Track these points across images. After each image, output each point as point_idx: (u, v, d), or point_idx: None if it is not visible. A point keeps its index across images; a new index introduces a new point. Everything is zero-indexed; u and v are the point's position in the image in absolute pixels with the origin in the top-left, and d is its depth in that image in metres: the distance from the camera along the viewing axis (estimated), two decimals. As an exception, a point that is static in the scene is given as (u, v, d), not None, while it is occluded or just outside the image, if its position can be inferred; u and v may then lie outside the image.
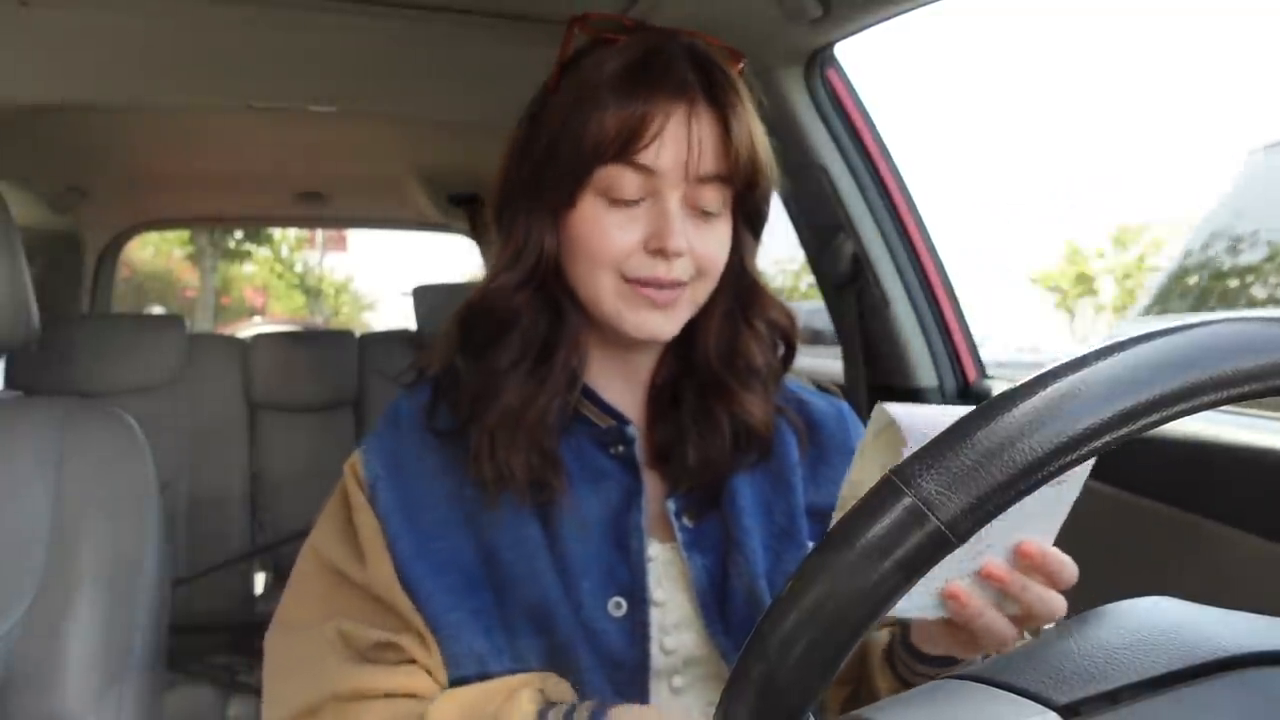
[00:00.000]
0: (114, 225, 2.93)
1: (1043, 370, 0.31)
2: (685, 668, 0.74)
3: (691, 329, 0.76)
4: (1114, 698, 0.33)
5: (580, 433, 0.75)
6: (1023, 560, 0.55)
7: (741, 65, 0.75)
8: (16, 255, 0.92)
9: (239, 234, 15.70)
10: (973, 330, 1.50)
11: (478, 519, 0.72)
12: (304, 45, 1.50)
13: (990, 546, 0.55)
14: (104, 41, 1.45)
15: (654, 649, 0.72)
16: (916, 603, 0.55)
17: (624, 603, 0.72)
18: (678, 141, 0.68)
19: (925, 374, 1.47)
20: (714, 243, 0.72)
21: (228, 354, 2.34)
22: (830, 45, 1.37)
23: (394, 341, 2.53)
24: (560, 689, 0.69)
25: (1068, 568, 0.56)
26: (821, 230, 1.51)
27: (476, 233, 2.91)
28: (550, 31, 0.79)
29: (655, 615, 0.72)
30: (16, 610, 0.87)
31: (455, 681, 0.69)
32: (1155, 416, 0.30)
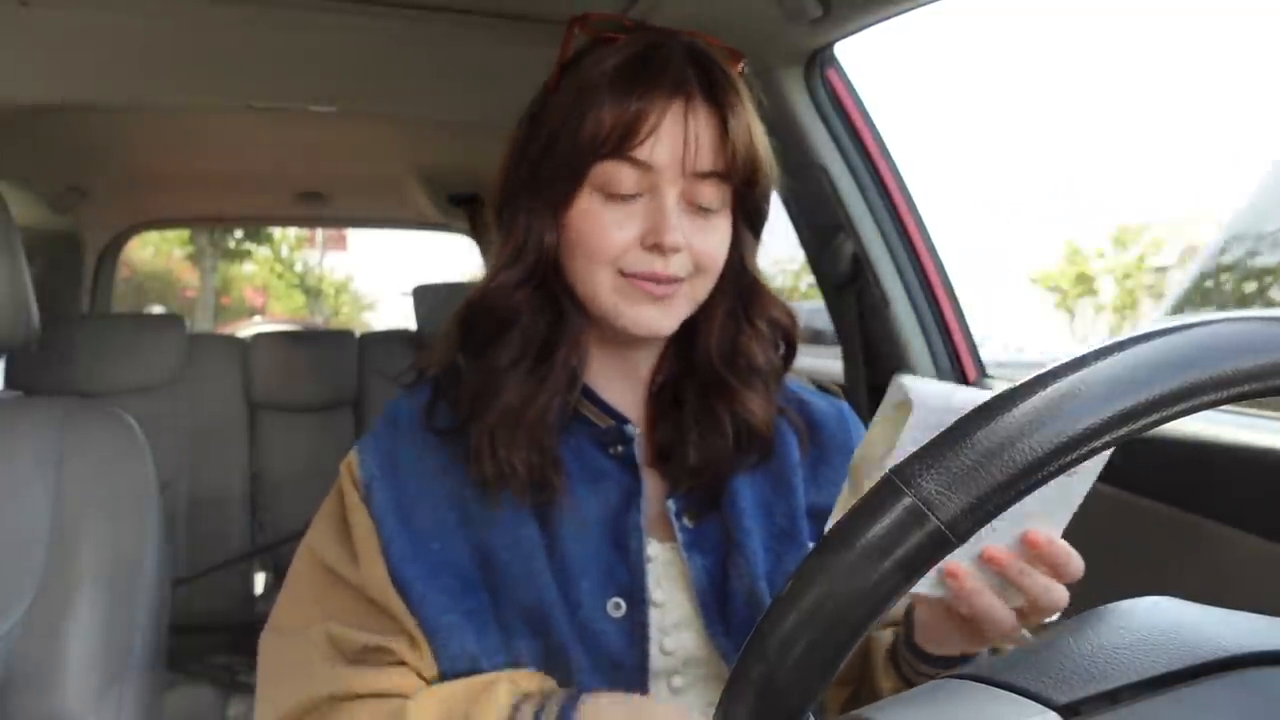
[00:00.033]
0: (114, 225, 2.93)
1: (1043, 370, 0.31)
2: (685, 668, 0.74)
3: (693, 328, 0.76)
4: (1114, 698, 0.33)
5: (580, 432, 0.75)
6: (1030, 549, 0.56)
7: (741, 65, 0.75)
8: (16, 255, 0.92)
9: (239, 234, 15.71)
10: (972, 330, 1.50)
11: (475, 519, 0.72)
12: (304, 45, 1.50)
13: (994, 531, 0.55)
14: (104, 41, 1.45)
15: (653, 649, 0.72)
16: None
17: (623, 603, 0.72)
18: (674, 137, 0.68)
19: (925, 374, 1.47)
20: (712, 240, 0.72)
21: (228, 354, 2.34)
22: (830, 45, 1.37)
23: (394, 341, 2.53)
24: (544, 684, 0.69)
25: (1074, 560, 0.57)
26: (821, 230, 1.51)
27: (476, 233, 2.91)
28: (550, 31, 0.79)
29: (655, 616, 0.72)
30: (16, 610, 0.87)
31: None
32: (1155, 416, 0.30)
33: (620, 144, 0.68)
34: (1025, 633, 0.68)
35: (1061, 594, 0.57)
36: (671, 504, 0.75)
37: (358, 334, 2.54)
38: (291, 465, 2.29)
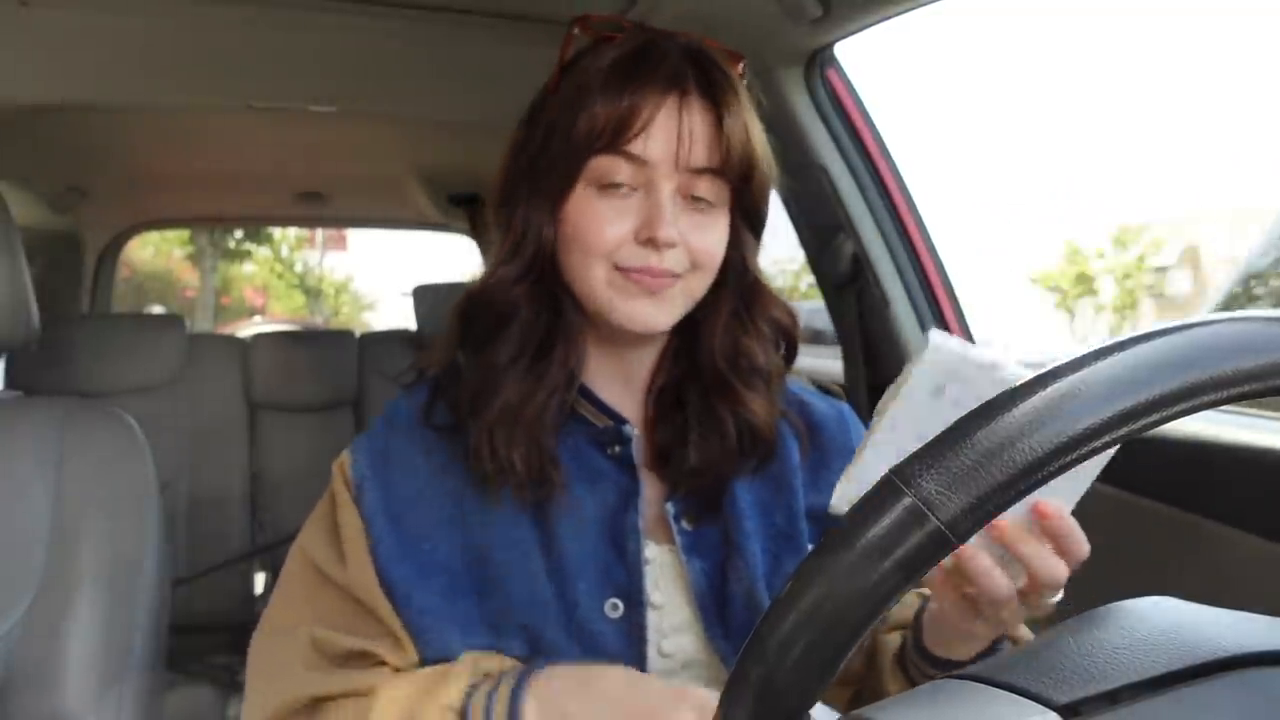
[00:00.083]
0: (114, 225, 2.93)
1: (1043, 370, 0.31)
2: (683, 671, 0.74)
3: (695, 329, 0.76)
4: (1114, 698, 0.33)
5: (577, 432, 0.75)
6: (1040, 520, 0.56)
7: (741, 66, 0.75)
8: (16, 255, 0.92)
9: (239, 234, 15.72)
10: (973, 331, 1.50)
11: (472, 518, 0.72)
12: (304, 45, 1.50)
13: None
14: (104, 41, 1.45)
15: (651, 651, 0.72)
16: None
17: (620, 604, 0.72)
18: (667, 132, 0.69)
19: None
20: (710, 237, 0.72)
21: (228, 354, 2.34)
22: (830, 45, 1.36)
23: (394, 341, 2.53)
24: (504, 664, 0.68)
25: (1079, 538, 0.57)
26: (821, 230, 1.51)
27: (476, 232, 2.91)
28: (550, 31, 0.79)
29: (653, 618, 0.72)
30: (16, 610, 0.87)
31: None
32: (1155, 416, 0.30)
33: (614, 138, 0.68)
34: (1025, 631, 0.68)
35: (1061, 569, 0.57)
36: (670, 507, 0.75)
37: (358, 334, 2.54)
38: (291, 465, 2.29)
